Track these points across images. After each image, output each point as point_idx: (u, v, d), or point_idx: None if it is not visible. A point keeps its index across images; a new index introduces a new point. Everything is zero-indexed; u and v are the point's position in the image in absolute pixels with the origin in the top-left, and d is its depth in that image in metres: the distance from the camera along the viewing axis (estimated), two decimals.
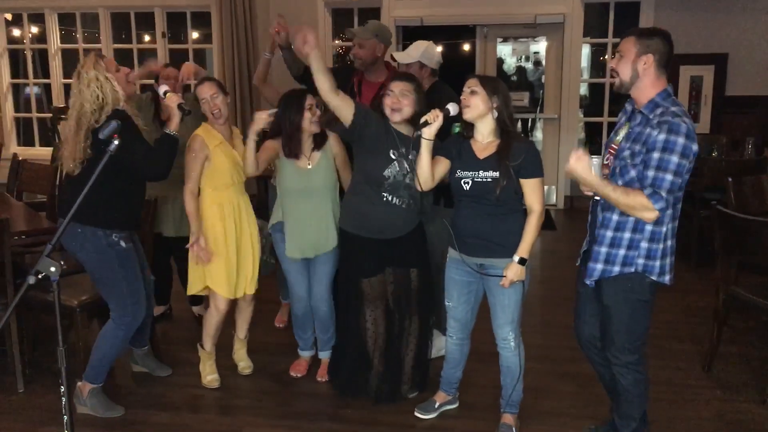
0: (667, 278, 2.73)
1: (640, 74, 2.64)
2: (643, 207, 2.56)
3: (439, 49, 4.10)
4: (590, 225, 2.88)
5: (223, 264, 3.62)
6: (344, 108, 3.23)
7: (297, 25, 3.12)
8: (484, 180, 2.98)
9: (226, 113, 3.58)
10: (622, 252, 2.69)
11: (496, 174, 2.96)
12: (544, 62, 8.89)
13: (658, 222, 2.63)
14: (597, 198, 2.76)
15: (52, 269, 2.04)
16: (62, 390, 2.04)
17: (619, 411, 2.96)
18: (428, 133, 3.01)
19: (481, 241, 3.05)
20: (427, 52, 3.84)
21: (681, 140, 2.50)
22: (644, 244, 2.68)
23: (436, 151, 3.10)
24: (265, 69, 4.34)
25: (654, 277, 2.70)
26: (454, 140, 3.16)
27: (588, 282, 2.80)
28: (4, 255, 3.54)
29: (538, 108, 8.57)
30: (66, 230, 3.23)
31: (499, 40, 8.45)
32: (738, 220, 3.57)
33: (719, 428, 3.35)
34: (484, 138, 3.06)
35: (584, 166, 2.57)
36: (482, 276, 3.13)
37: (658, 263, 2.69)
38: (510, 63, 11.06)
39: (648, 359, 3.94)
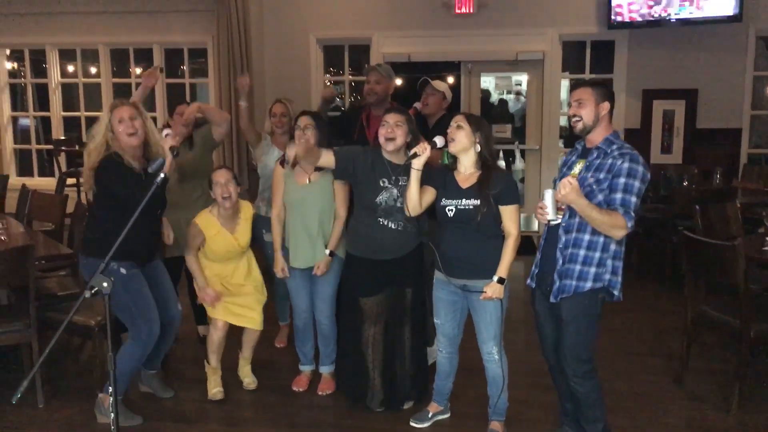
0: (620, 295, 3.11)
1: (600, 118, 3.05)
2: (620, 225, 2.92)
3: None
4: (546, 247, 3.21)
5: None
6: (329, 163, 3.68)
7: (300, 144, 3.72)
8: (467, 207, 3.32)
9: (234, 199, 3.92)
10: (593, 269, 3.04)
11: (477, 202, 3.31)
12: (525, 96, 9.32)
13: (619, 242, 3.02)
14: (557, 222, 3.07)
15: (105, 284, 2.33)
16: (110, 390, 2.32)
17: (585, 418, 3.27)
18: (417, 164, 3.36)
19: (465, 263, 3.38)
20: (448, 90, 4.62)
21: (641, 168, 2.95)
22: (610, 262, 3.06)
23: (424, 180, 3.44)
24: (248, 115, 4.80)
25: (615, 292, 3.08)
26: (439, 172, 3.50)
27: (554, 299, 3.11)
28: (28, 278, 3.82)
29: (516, 141, 8.92)
30: (79, 261, 3.61)
31: (483, 74, 8.86)
32: (701, 244, 3.94)
33: None
34: (467, 169, 3.41)
35: (577, 190, 2.90)
36: (466, 294, 3.45)
37: (618, 279, 3.08)
38: (494, 96, 11.48)
39: (623, 374, 4.31)
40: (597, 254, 3.04)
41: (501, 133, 8.78)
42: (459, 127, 3.34)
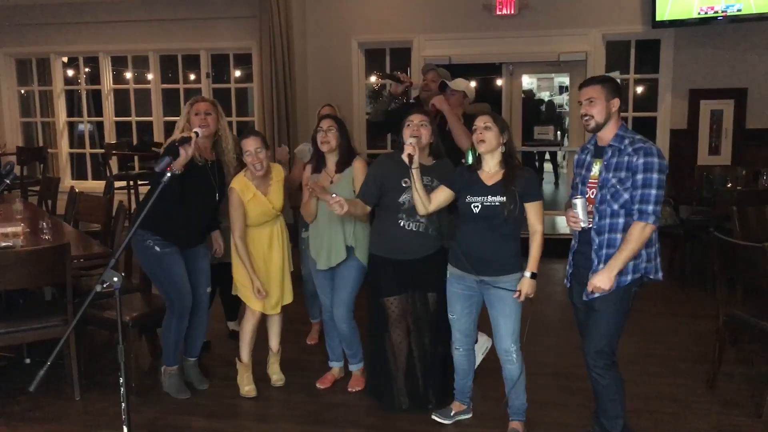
0: (660, 275, 3.15)
1: (611, 115, 3.06)
2: (642, 231, 2.99)
3: (472, 84, 4.90)
4: (581, 245, 3.22)
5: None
6: (363, 208, 3.77)
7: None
8: (493, 204, 3.36)
9: (266, 165, 4.01)
10: (630, 263, 3.07)
11: (503, 198, 3.34)
12: (568, 97, 9.21)
13: None
14: (588, 226, 3.11)
15: (115, 279, 2.43)
16: (121, 381, 2.41)
17: (606, 413, 3.26)
18: (414, 163, 3.46)
19: (484, 261, 3.41)
20: (469, 88, 4.69)
21: (656, 159, 2.98)
22: (644, 252, 3.09)
23: (445, 182, 3.53)
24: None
25: (651, 276, 3.12)
26: (459, 174, 3.54)
27: (586, 298, 3.14)
28: (65, 276, 3.99)
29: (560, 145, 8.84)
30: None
31: (525, 75, 8.80)
32: (730, 245, 3.85)
33: None
34: (491, 168, 3.44)
35: (605, 280, 3.02)
36: (483, 289, 3.47)
37: (653, 264, 3.12)
38: (538, 96, 11.38)
39: (654, 377, 4.24)
40: None
41: (543, 135, 8.71)
42: (487, 128, 3.38)
